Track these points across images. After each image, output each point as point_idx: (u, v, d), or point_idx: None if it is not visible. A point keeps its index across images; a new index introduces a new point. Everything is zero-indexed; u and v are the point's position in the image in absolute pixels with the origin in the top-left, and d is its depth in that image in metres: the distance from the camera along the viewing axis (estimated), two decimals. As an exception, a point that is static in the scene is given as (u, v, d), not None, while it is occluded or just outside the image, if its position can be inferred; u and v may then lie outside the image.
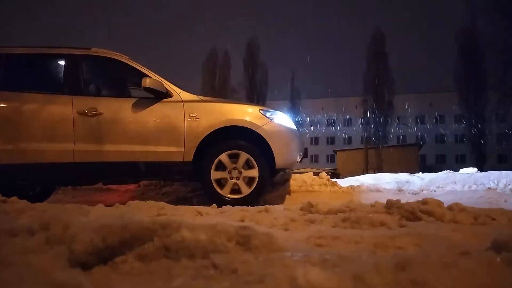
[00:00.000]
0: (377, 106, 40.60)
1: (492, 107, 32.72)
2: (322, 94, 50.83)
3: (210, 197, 4.06)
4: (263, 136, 4.10)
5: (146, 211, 2.69)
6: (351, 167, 28.59)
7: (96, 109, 4.00)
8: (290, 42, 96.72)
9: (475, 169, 7.91)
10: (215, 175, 4.05)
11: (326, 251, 1.35)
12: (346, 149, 35.96)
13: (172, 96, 4.11)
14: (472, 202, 3.88)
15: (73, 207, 2.78)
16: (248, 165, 4.08)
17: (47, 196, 5.16)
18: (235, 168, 4.08)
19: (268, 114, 4.23)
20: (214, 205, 3.36)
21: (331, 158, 46.10)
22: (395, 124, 43.55)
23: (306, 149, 5.44)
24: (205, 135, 4.03)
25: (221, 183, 4.06)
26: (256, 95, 42.76)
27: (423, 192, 5.79)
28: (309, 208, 2.67)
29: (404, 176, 7.03)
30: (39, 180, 4.67)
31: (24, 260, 1.03)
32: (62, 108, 4.01)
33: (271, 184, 4.86)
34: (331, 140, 51.25)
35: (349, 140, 49.77)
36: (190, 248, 1.07)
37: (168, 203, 3.10)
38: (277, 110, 4.53)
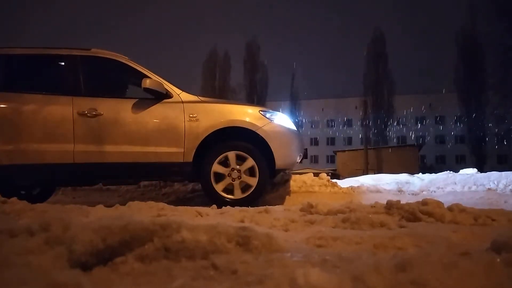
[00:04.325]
0: (377, 106, 40.67)
1: (492, 107, 32.73)
2: (322, 95, 50.88)
3: (210, 197, 4.06)
4: (263, 137, 4.10)
5: (146, 212, 2.69)
6: (351, 167, 28.59)
7: (96, 110, 4.00)
8: (290, 43, 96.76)
9: (475, 170, 7.92)
10: (215, 175, 4.05)
11: (326, 251, 1.35)
12: (346, 150, 35.92)
13: (172, 97, 4.11)
14: (472, 203, 3.88)
15: (73, 208, 2.78)
16: (248, 167, 4.08)
17: (47, 196, 5.16)
18: (235, 169, 4.07)
19: (268, 115, 4.23)
20: (214, 205, 3.36)
21: (331, 159, 46.09)
22: (395, 124, 43.61)
23: (306, 149, 5.43)
24: (205, 136, 4.03)
25: (221, 183, 4.06)
26: (256, 96, 42.80)
27: (423, 192, 5.80)
28: (309, 208, 2.68)
29: (404, 176, 7.04)
30: (39, 181, 4.67)
31: (24, 260, 1.03)
32: (62, 109, 4.01)
33: (271, 184, 4.86)
34: (331, 141, 51.25)
35: (349, 140, 49.78)
36: (190, 248, 1.07)
37: (168, 203, 3.11)
38: (277, 111, 4.54)
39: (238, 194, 4.04)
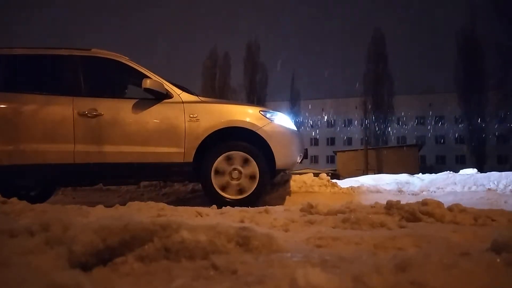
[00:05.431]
0: (377, 106, 40.67)
1: (492, 107, 32.75)
2: (322, 95, 50.88)
3: (210, 197, 4.06)
4: (264, 137, 4.10)
5: (146, 212, 2.69)
6: (351, 168, 28.59)
7: (96, 110, 4.00)
8: (290, 43, 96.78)
9: (475, 170, 7.91)
10: (215, 175, 4.05)
11: (326, 252, 1.35)
12: (346, 150, 35.91)
13: (172, 97, 4.11)
14: (472, 203, 3.88)
15: (73, 208, 2.78)
16: (248, 167, 4.08)
17: (47, 197, 5.16)
18: (235, 169, 4.08)
19: (268, 115, 4.24)
20: (214, 206, 3.36)
21: (331, 159, 46.09)
22: (395, 124, 43.62)
23: (306, 149, 5.44)
24: (205, 136, 4.03)
25: (221, 183, 4.06)
26: (256, 96, 42.80)
27: (423, 193, 5.80)
28: (309, 209, 2.68)
29: (404, 177, 7.04)
30: (40, 181, 4.67)
31: (24, 260, 1.03)
32: (62, 109, 4.01)
33: (271, 185, 4.86)
34: (331, 141, 51.24)
35: (349, 141, 49.76)
36: (190, 249, 1.07)
37: (168, 204, 3.10)
38: (277, 111, 4.54)
39: (238, 194, 4.05)
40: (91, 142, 3.99)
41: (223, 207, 3.27)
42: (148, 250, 1.06)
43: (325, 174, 5.50)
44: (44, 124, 4.00)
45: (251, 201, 3.92)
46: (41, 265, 1.01)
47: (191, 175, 4.25)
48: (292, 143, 4.34)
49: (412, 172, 8.10)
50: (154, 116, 4.06)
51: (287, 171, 5.02)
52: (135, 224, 1.10)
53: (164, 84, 4.10)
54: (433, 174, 7.25)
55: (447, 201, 2.82)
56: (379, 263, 0.89)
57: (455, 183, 6.25)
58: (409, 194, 5.62)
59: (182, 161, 4.02)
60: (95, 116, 4.00)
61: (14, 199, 2.95)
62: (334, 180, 5.70)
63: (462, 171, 7.58)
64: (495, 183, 6.07)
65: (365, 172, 23.68)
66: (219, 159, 4.05)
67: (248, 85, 43.68)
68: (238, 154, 4.08)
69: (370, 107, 40.34)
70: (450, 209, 2.37)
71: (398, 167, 21.72)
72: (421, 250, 1.39)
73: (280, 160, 4.17)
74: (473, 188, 6.01)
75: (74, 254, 1.04)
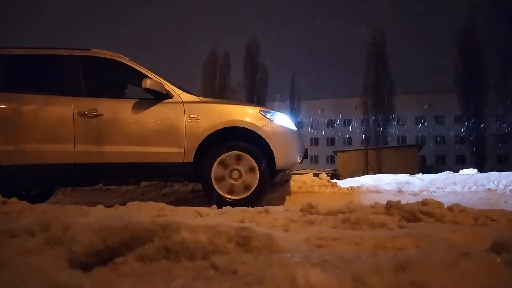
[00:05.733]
0: (377, 107, 40.69)
1: (492, 108, 32.74)
2: (322, 95, 50.90)
3: (210, 198, 4.06)
4: (264, 137, 4.10)
5: (146, 212, 2.69)
6: (351, 168, 28.57)
7: (97, 110, 4.01)
8: (290, 43, 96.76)
9: (475, 170, 7.89)
10: (215, 175, 4.05)
11: (326, 252, 1.35)
12: (346, 150, 35.90)
13: (173, 97, 4.11)
14: (472, 203, 3.87)
15: (73, 208, 2.78)
16: (248, 167, 4.08)
17: (47, 197, 5.16)
18: (235, 169, 4.08)
19: (268, 115, 4.24)
20: (214, 206, 3.36)
21: (331, 159, 46.11)
22: (395, 125, 43.63)
23: (306, 150, 5.43)
24: (205, 136, 4.03)
25: (221, 183, 4.06)
26: (256, 96, 42.80)
27: (423, 193, 5.79)
28: (309, 209, 2.67)
29: (404, 177, 7.02)
30: (40, 181, 4.67)
31: (24, 261, 1.03)
32: (62, 109, 4.01)
33: (271, 185, 4.86)
34: (331, 141, 51.26)
35: (349, 141, 49.78)
36: (190, 249, 1.07)
37: (168, 204, 3.10)
38: (277, 111, 4.54)
39: (238, 194, 4.05)
40: (91, 142, 3.99)
41: (223, 207, 3.27)
42: (148, 250, 1.06)
43: (325, 174, 5.49)
44: (44, 124, 4.00)
45: (251, 201, 3.93)
46: (41, 265, 1.01)
47: (191, 175, 4.25)
48: (292, 143, 4.34)
49: (412, 172, 8.08)
50: (154, 116, 4.06)
51: (287, 171, 5.02)
52: (135, 224, 1.10)
53: (164, 84, 4.10)
54: (433, 174, 7.24)
55: (447, 201, 2.82)
56: (379, 263, 0.89)
57: (455, 183, 6.24)
58: (409, 194, 5.61)
59: (182, 161, 4.02)
60: (95, 116, 4.00)
61: (14, 199, 2.95)
62: (334, 180, 5.69)
63: (462, 171, 7.56)
64: (495, 183, 6.06)
65: (365, 172, 23.68)
66: (219, 159, 4.05)
67: (248, 85, 43.67)
68: (238, 154, 4.08)
69: (370, 107, 40.34)
70: (450, 209, 2.36)
71: (398, 167, 21.71)
72: (421, 250, 1.38)
73: (280, 160, 4.17)
74: (473, 188, 5.99)
75: (74, 254, 1.04)
